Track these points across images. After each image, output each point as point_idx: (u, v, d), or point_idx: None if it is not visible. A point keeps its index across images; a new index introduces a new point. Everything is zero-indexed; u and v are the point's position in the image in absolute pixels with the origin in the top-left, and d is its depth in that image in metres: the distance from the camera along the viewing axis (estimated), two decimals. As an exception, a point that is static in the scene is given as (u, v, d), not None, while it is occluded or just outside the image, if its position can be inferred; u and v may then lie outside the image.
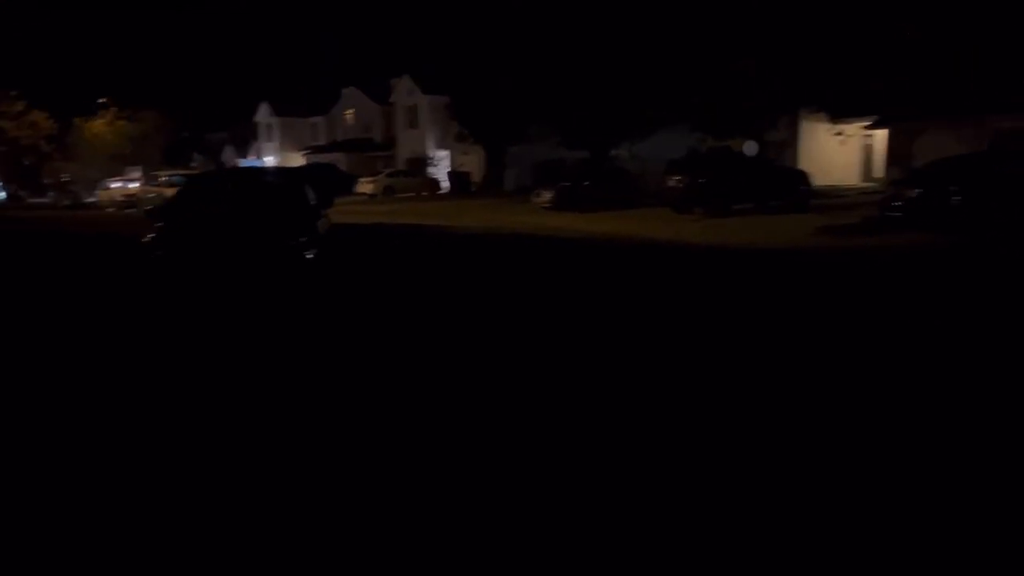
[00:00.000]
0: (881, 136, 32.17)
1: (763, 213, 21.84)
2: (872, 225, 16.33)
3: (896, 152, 30.78)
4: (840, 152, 32.34)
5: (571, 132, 33.58)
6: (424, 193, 41.92)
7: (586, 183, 27.76)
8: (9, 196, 40.53)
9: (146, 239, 8.49)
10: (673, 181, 23.45)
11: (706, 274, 11.36)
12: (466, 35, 38.65)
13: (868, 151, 33.67)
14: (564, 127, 33.73)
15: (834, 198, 26.52)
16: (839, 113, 30.17)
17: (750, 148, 27.65)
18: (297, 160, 58.27)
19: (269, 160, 64.17)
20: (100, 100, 60.95)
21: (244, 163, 67.29)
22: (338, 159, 53.64)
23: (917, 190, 15.47)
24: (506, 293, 9.59)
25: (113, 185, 41.51)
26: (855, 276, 10.76)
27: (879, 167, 32.62)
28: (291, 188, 9.58)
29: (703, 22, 27.34)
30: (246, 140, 72.43)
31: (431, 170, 46.16)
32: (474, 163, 44.19)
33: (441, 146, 47.65)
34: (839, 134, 28.94)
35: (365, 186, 41.06)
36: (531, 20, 32.21)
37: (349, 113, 58.14)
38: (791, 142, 33.13)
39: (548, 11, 31.43)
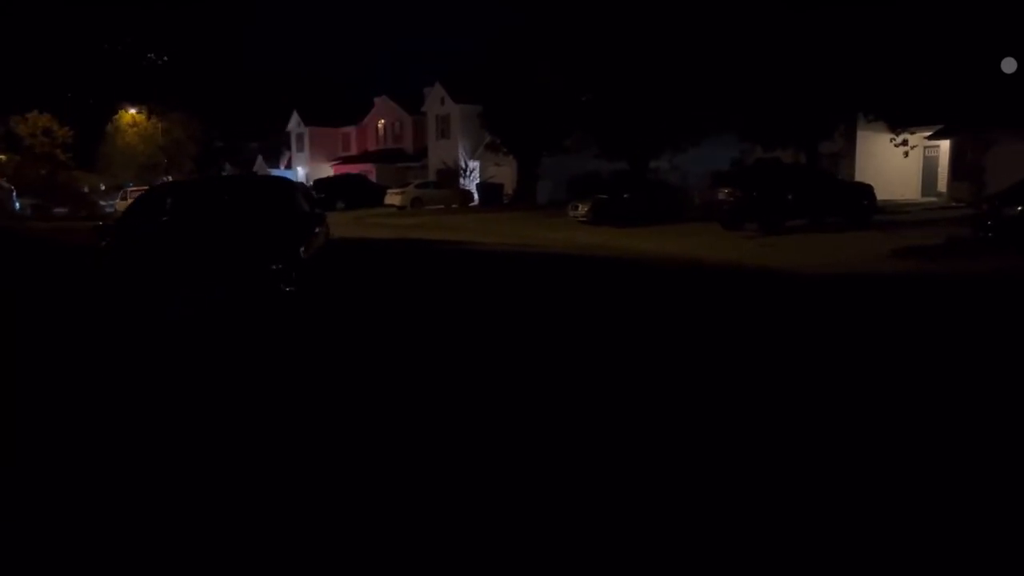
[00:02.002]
0: (945, 147, 29.82)
1: (820, 230, 19.77)
2: (962, 247, 14.19)
3: (963, 164, 28.43)
4: (899, 164, 29.97)
5: (609, 142, 31.64)
6: (454, 205, 40.30)
7: (625, 196, 25.90)
8: (29, 207, 39.69)
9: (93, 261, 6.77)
10: (722, 194, 21.48)
11: (785, 309, 9.38)
12: (499, 41, 37.09)
13: (930, 163, 31.27)
14: (602, 137, 31.81)
15: (895, 214, 24.29)
16: (899, 121, 27.86)
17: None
18: (326, 171, 57.24)
19: (300, 170, 63.25)
20: (131, 110, 60.59)
21: (275, 173, 66.57)
22: (368, 170, 52.40)
23: (1018, 207, 13.34)
24: (535, 341, 7.75)
25: (138, 194, 40.34)
26: (972, 313, 8.73)
27: (942, 181, 30.26)
28: (273, 200, 7.77)
29: (752, 22, 25.34)
30: (278, 150, 71.76)
31: (462, 181, 44.51)
32: (506, 174, 42.45)
33: (473, 157, 46.06)
34: (903, 143, 26.56)
35: (393, 198, 39.56)
36: (568, 24, 30.38)
37: (380, 123, 56.94)
38: (847, 153, 30.88)
39: (586, 14, 29.60)
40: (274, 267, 6.38)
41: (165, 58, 19.18)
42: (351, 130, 60.12)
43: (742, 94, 25.89)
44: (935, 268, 12.16)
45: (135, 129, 63.45)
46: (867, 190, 21.99)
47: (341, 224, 29.65)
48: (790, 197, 20.65)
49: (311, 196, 9.12)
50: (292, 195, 8.16)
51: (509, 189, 41.64)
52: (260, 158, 71.92)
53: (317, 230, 8.24)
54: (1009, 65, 23.12)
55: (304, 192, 9.15)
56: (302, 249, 6.95)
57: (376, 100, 56.85)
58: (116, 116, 62.66)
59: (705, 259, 14.81)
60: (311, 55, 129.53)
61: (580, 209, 25.87)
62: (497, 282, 11.92)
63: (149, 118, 61.62)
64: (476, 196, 42.24)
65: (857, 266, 12.71)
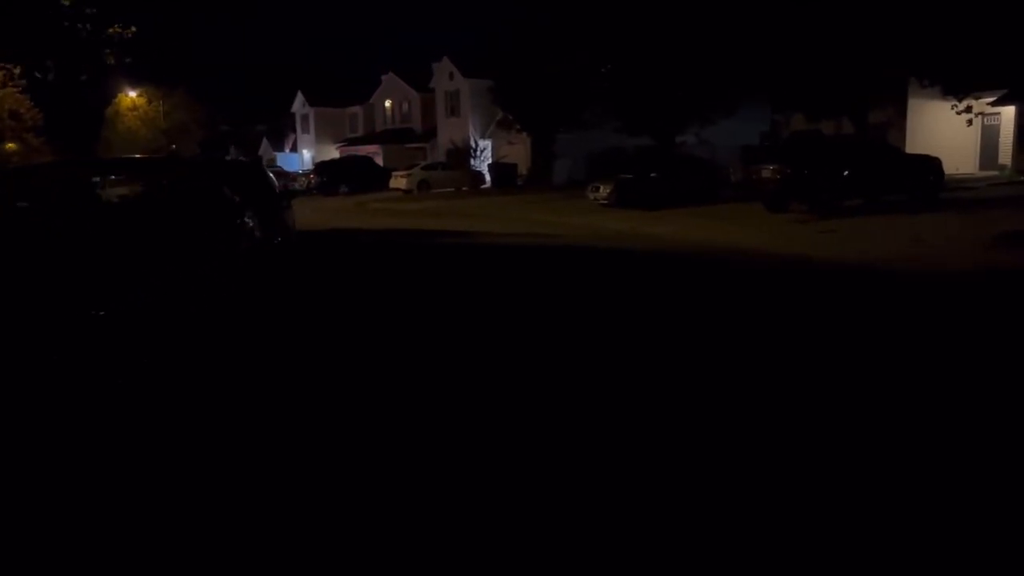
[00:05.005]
0: (1009, 114, 26.75)
1: (882, 211, 17.03)
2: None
3: (1031, 134, 25.42)
4: (954, 135, 26.92)
5: (632, 115, 28.80)
6: (465, 188, 37.67)
7: (653, 174, 23.15)
8: None
9: None
10: (767, 171, 18.76)
11: (914, 343, 6.73)
12: (511, 8, 34.23)
13: (990, 132, 28.18)
14: (624, 110, 28.96)
15: (960, 191, 21.44)
16: (956, 87, 24.84)
17: None
18: (333, 153, 54.76)
19: (305, 153, 60.83)
20: (131, 93, 58.59)
21: (280, 156, 64.29)
22: (375, 151, 49.79)
23: None
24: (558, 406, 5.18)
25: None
26: None
27: (1005, 152, 27.21)
28: (169, 189, 5.29)
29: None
30: (282, 133, 69.36)
31: (473, 162, 41.76)
32: (520, 153, 39.65)
33: (484, 135, 43.28)
34: (967, 110, 23.56)
35: (398, 181, 36.99)
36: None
37: (387, 102, 54.23)
38: (896, 123, 27.88)
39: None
40: (94, 312, 3.86)
41: (133, 29, 17.19)
42: (358, 110, 57.43)
43: (784, 57, 23.00)
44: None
45: (135, 113, 61.29)
46: (934, 164, 19.19)
47: (339, 211, 27.20)
48: (846, 173, 17.92)
49: (254, 179, 6.51)
50: (208, 182, 5.59)
51: (523, 169, 38.92)
52: (265, 141, 69.59)
53: (247, 225, 5.65)
54: None
55: (244, 175, 6.60)
56: (179, 273, 4.37)
57: (383, 78, 54.11)
58: (116, 100, 60.57)
59: (761, 251, 12.16)
60: (313, 50, 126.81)
61: (601, 191, 23.18)
62: (508, 304, 9.31)
63: (150, 102, 59.51)
64: (488, 177, 39.57)
65: (962, 261, 10.01)
